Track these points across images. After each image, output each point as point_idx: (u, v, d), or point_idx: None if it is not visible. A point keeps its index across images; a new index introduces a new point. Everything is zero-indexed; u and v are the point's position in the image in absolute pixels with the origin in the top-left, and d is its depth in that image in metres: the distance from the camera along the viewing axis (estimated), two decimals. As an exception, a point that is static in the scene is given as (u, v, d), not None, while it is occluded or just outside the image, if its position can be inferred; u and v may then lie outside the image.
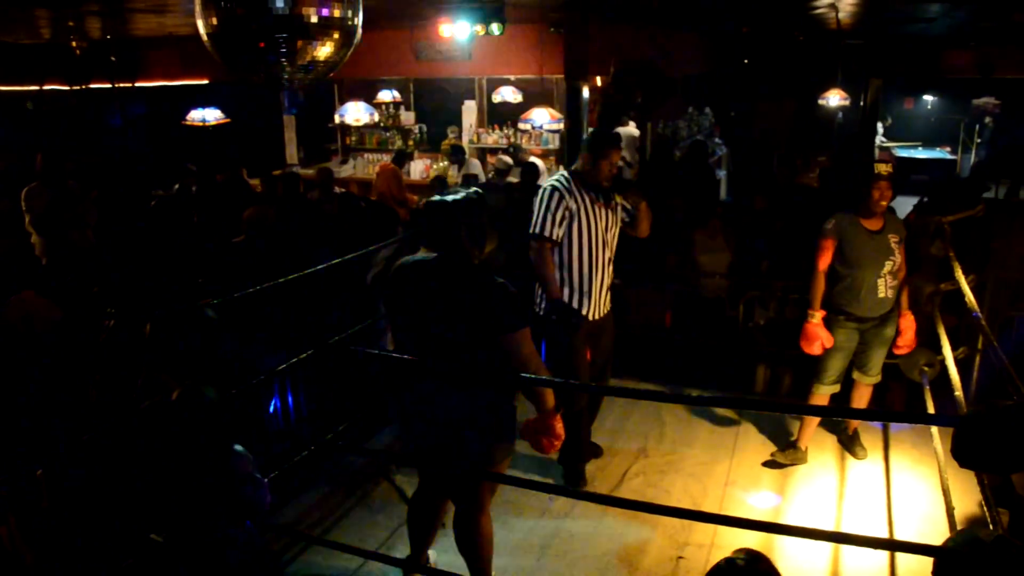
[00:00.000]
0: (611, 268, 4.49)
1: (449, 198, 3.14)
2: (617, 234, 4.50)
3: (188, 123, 11.80)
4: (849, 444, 4.90)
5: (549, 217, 4.30)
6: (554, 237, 4.32)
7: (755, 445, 5.00)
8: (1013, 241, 5.81)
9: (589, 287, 4.39)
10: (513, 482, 3.77)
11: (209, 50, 2.91)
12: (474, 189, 3.25)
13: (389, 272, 3.42)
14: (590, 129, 8.59)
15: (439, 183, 9.04)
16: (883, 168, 4.47)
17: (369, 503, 4.42)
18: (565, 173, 4.44)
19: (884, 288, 4.49)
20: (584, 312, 4.41)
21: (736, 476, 4.67)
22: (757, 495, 4.49)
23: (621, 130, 11.81)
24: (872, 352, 4.64)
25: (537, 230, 4.33)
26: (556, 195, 4.31)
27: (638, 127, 12.02)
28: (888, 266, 4.47)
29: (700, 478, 4.64)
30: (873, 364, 4.68)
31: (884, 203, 4.43)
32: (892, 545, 3.84)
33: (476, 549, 3.43)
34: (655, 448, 5.00)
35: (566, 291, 4.40)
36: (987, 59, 11.47)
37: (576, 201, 4.30)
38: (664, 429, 5.21)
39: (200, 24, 2.83)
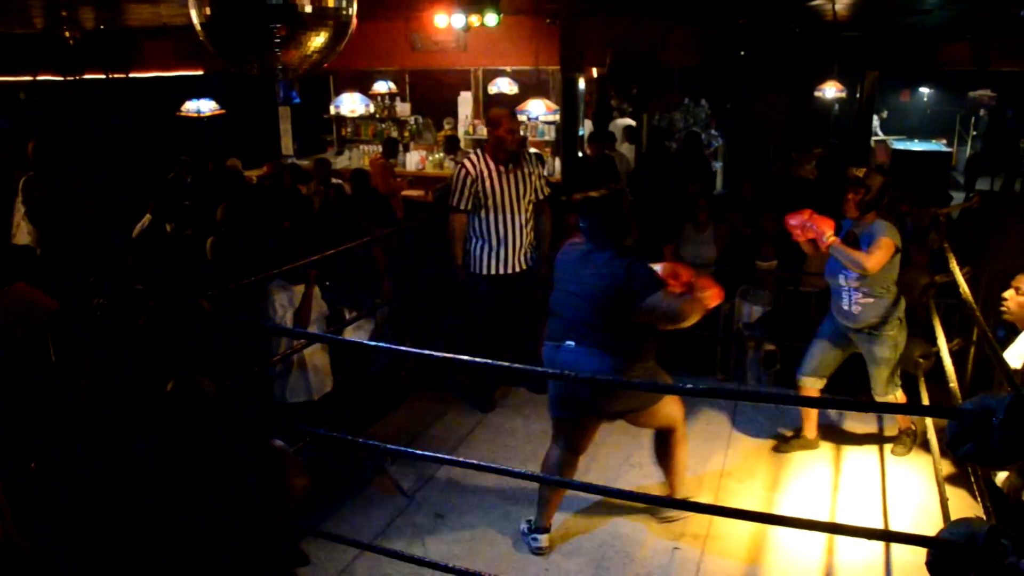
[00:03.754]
0: (528, 228, 5.21)
1: (592, 195, 3.75)
2: (531, 198, 5.19)
3: (183, 114, 11.77)
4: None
5: (457, 191, 5.08)
6: (462, 207, 5.08)
7: (750, 436, 5.01)
8: (1008, 233, 5.81)
9: (501, 245, 5.12)
10: (517, 475, 3.78)
11: (203, 40, 2.90)
12: (616, 188, 3.48)
13: None
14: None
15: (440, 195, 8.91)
16: (851, 171, 4.26)
17: (365, 495, 4.42)
18: (477, 149, 5.31)
19: (848, 300, 4.33)
20: (497, 267, 5.16)
21: (731, 467, 4.68)
22: (752, 486, 4.50)
23: (617, 122, 11.82)
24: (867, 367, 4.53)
25: (450, 203, 5.14)
26: (463, 171, 5.08)
27: (634, 119, 12.01)
28: (841, 279, 4.32)
29: (695, 469, 4.63)
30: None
31: (847, 208, 4.22)
32: (886, 536, 3.85)
33: (668, 461, 4.13)
34: (651, 440, 4.99)
35: (483, 247, 5.14)
36: (983, 51, 11.44)
37: (481, 172, 5.03)
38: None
39: (194, 14, 2.82)
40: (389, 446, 4.14)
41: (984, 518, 3.03)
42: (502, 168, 5.07)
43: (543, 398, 5.44)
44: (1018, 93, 14.45)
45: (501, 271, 5.19)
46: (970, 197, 9.93)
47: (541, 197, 5.26)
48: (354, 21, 2.97)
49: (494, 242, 5.13)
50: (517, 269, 5.23)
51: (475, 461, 3.66)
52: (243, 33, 2.83)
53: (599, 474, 4.60)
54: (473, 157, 5.14)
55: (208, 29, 2.83)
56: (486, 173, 5.04)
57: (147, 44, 12.47)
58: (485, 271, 5.20)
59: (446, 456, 4.30)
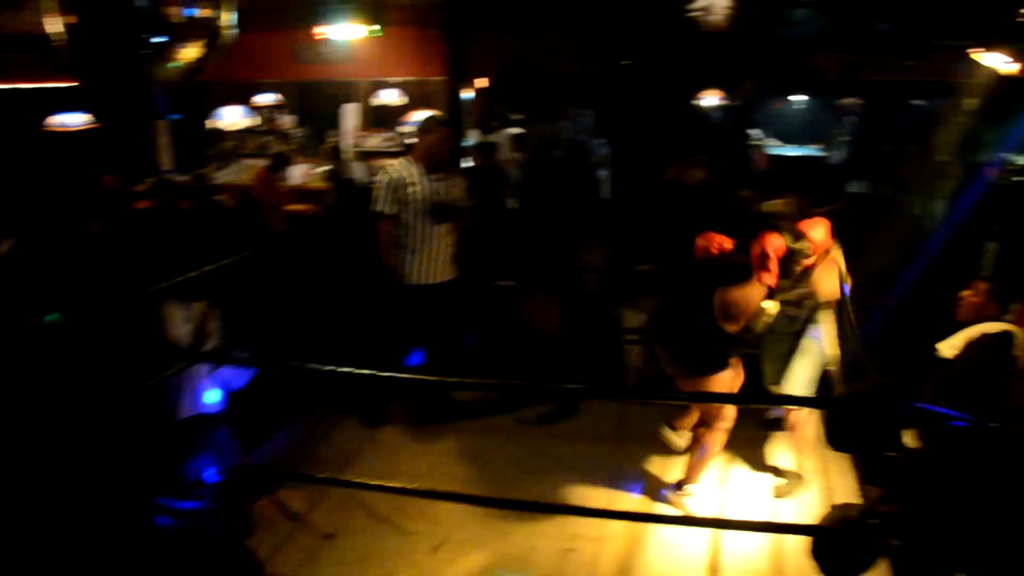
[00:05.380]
0: (451, 237, 5.16)
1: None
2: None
3: (48, 129, 11.25)
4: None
5: (383, 196, 4.97)
6: (388, 212, 4.96)
7: (638, 436, 5.04)
8: (875, 233, 6.07)
9: (423, 253, 5.04)
10: (406, 492, 3.75)
11: (64, 50, 2.78)
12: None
13: None
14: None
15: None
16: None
17: (252, 521, 4.24)
18: (405, 158, 5.17)
19: None
20: (420, 276, 5.07)
21: (621, 469, 4.72)
22: (641, 487, 4.56)
23: (504, 132, 11.88)
24: None
25: (372, 208, 5.01)
26: (386, 175, 5.00)
27: (520, 128, 12.10)
28: None
29: (587, 472, 4.67)
30: None
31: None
32: (768, 527, 3.96)
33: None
34: (542, 447, 5.01)
35: (407, 255, 5.04)
36: (851, 62, 12.07)
37: (404, 178, 4.96)
38: (552, 428, 5.25)
39: (53, 22, 2.71)
40: (275, 469, 4.02)
41: (861, 503, 3.16)
42: (429, 175, 5.01)
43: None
44: (884, 101, 15.26)
45: (424, 280, 5.09)
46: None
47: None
48: (231, 32, 2.90)
49: (416, 250, 5.04)
50: (440, 279, 5.14)
51: (363, 481, 3.60)
52: (110, 44, 2.73)
53: (492, 486, 4.58)
54: (397, 163, 5.10)
55: (71, 38, 2.72)
56: (411, 179, 4.97)
57: (11, 55, 11.85)
58: (408, 281, 5.10)
59: (331, 478, 4.18)
